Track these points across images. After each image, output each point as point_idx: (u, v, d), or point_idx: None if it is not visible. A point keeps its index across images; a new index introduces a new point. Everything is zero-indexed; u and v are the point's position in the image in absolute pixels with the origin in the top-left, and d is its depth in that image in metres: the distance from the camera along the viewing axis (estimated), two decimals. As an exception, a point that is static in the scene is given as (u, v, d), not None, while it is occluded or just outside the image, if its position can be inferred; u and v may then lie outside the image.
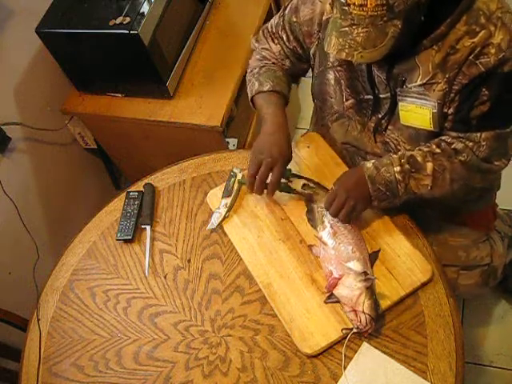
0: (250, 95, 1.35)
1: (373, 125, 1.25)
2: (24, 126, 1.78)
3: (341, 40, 0.99)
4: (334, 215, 1.20)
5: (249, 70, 1.38)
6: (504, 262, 1.62)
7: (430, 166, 1.14)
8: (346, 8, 0.95)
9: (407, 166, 1.15)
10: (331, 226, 1.23)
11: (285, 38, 1.30)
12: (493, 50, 1.00)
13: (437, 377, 1.10)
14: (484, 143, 1.10)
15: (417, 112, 1.14)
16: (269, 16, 2.06)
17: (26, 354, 1.30)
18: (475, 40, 1.01)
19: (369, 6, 0.92)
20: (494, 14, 1.01)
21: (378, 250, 1.23)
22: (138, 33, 1.57)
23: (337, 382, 1.11)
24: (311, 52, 1.26)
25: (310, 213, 1.30)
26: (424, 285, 1.19)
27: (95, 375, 1.23)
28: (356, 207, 1.18)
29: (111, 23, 1.60)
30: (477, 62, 1.02)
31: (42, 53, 1.79)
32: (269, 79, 1.31)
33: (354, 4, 0.93)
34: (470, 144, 1.12)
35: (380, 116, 1.22)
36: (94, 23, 1.64)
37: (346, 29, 0.97)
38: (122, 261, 1.38)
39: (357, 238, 1.22)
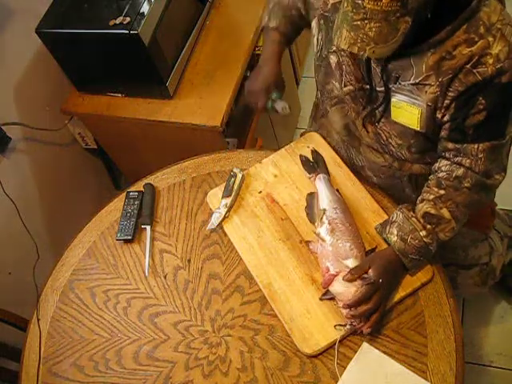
0: (261, 27, 1.42)
1: (365, 113, 1.25)
2: (24, 126, 1.78)
3: (353, 34, 0.98)
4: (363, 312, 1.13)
5: (268, 6, 1.42)
6: (503, 262, 1.62)
7: (446, 212, 1.15)
8: (360, 2, 0.93)
9: (430, 226, 1.15)
10: (329, 223, 1.23)
11: None
12: (490, 60, 1.00)
13: (437, 377, 1.10)
14: (481, 155, 1.10)
15: (407, 110, 1.13)
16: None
17: (26, 354, 1.30)
18: (473, 49, 1.01)
19: (384, 0, 0.91)
20: (494, 26, 1.00)
21: (375, 247, 1.23)
22: (138, 33, 1.57)
23: (337, 382, 1.11)
24: (312, 24, 1.26)
25: (309, 208, 1.30)
26: (424, 285, 1.19)
27: (95, 375, 1.23)
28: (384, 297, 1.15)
29: (111, 23, 1.60)
30: (474, 70, 1.01)
31: (41, 53, 1.79)
32: (277, 17, 1.36)
33: None
34: (468, 162, 1.12)
35: (374, 106, 1.22)
36: (94, 23, 1.64)
37: (358, 23, 0.96)
38: (122, 261, 1.38)
39: (354, 236, 1.22)
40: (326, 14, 1.19)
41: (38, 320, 1.33)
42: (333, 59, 1.22)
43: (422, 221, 1.16)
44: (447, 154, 1.15)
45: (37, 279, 1.45)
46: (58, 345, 1.29)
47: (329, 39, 1.21)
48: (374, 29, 0.95)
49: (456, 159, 1.14)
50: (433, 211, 1.16)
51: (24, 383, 1.26)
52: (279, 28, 1.37)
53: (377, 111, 1.21)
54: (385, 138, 1.25)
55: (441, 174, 1.16)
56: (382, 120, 1.22)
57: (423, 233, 1.15)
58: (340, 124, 1.36)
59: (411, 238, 1.15)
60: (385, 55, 1.02)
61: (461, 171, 1.13)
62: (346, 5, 0.97)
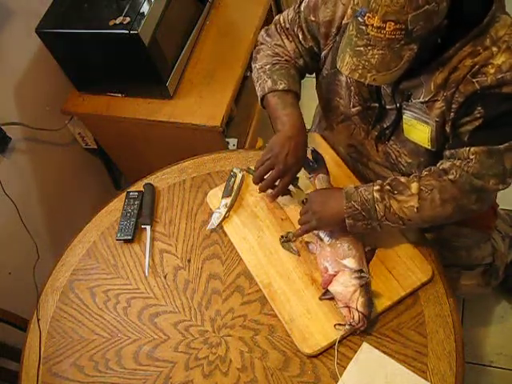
0: (260, 93, 1.27)
1: (376, 133, 1.24)
2: (24, 126, 1.78)
3: (355, 60, 0.97)
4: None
5: (258, 66, 1.30)
6: (505, 262, 1.62)
7: (415, 185, 1.09)
8: (364, 28, 0.92)
9: (388, 187, 1.12)
10: None
11: (301, 37, 1.25)
12: (492, 70, 0.98)
13: (437, 377, 1.10)
14: (473, 157, 1.04)
15: (418, 128, 1.12)
16: (269, 16, 2.06)
17: (25, 354, 1.30)
18: (476, 59, 0.99)
19: (387, 29, 0.90)
20: (501, 38, 0.99)
21: (375, 248, 1.23)
22: (138, 33, 1.57)
23: (337, 382, 1.11)
24: (323, 54, 1.23)
25: None
26: (424, 285, 1.19)
27: (95, 375, 1.23)
28: (317, 227, 1.20)
29: (111, 23, 1.60)
30: (474, 80, 1.00)
31: (41, 53, 1.79)
32: (283, 78, 1.24)
33: (373, 25, 0.91)
34: (458, 162, 1.07)
35: (385, 126, 1.21)
36: (94, 23, 1.64)
37: (361, 49, 0.95)
38: (121, 261, 1.38)
39: (353, 236, 1.22)
40: (337, 36, 1.18)
41: (38, 320, 1.33)
42: (343, 78, 1.22)
43: (383, 183, 1.13)
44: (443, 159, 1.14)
45: (37, 279, 1.45)
46: (57, 345, 1.29)
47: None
48: (376, 56, 0.94)
49: (448, 159, 1.11)
50: (402, 180, 1.12)
51: (24, 383, 1.26)
52: (291, 88, 1.24)
53: (387, 130, 1.21)
54: (394, 157, 1.25)
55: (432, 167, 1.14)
56: (392, 138, 1.22)
57: (376, 187, 1.12)
58: (346, 142, 1.36)
59: (364, 189, 1.13)
60: (387, 82, 1.01)
61: (448, 164, 1.09)
62: (351, 28, 0.96)
